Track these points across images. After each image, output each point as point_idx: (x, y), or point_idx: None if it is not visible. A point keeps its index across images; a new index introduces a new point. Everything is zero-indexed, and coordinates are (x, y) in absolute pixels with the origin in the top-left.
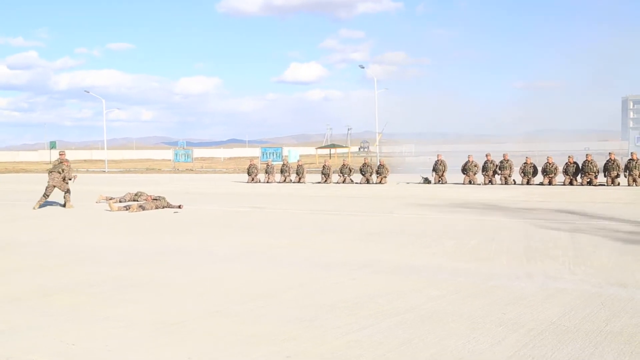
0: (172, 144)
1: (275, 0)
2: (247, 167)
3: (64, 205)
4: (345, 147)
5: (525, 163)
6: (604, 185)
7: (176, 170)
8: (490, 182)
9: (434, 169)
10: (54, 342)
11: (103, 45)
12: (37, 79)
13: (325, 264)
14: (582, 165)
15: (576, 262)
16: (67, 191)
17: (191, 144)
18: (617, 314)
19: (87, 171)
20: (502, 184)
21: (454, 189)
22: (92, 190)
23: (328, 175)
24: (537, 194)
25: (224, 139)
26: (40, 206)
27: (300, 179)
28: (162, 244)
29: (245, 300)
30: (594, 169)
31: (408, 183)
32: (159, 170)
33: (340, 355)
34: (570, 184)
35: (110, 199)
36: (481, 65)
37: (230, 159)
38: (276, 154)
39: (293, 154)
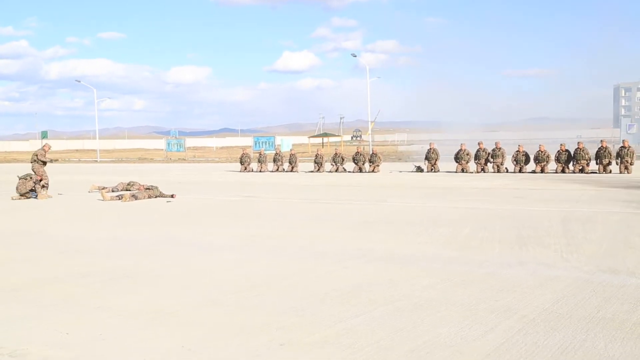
0: (164, 133)
1: None
2: (239, 156)
3: (36, 197)
4: (338, 136)
5: (517, 151)
6: (596, 172)
7: (169, 160)
8: (483, 170)
9: (427, 158)
10: (49, 331)
11: (94, 34)
12: (28, 69)
13: (319, 253)
14: (574, 153)
15: (568, 249)
16: (38, 182)
17: (183, 134)
18: (608, 301)
19: (79, 161)
20: (494, 172)
21: (447, 177)
22: (84, 180)
23: (321, 164)
24: (529, 182)
25: (216, 129)
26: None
27: (292, 168)
28: (156, 234)
29: (240, 290)
30: (586, 156)
31: (401, 172)
32: (152, 160)
33: (333, 343)
34: (563, 171)
35: (103, 189)
36: (473, 54)
37: (222, 148)
38: (269, 143)
39: (285, 143)
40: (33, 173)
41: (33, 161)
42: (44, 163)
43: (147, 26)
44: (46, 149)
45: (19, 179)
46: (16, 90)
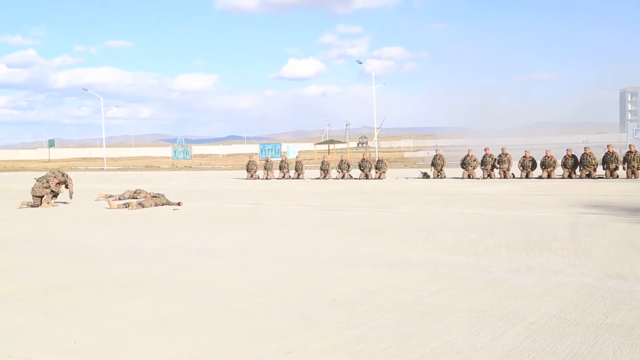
0: (171, 141)
1: None
2: (246, 163)
3: (40, 205)
4: (344, 142)
5: (524, 157)
6: (603, 178)
7: (175, 168)
8: (489, 176)
9: (433, 164)
10: (56, 340)
11: (101, 43)
12: (36, 77)
13: (325, 260)
14: (581, 158)
15: (576, 255)
16: (53, 192)
17: (190, 141)
18: (617, 307)
19: (86, 169)
20: (501, 178)
21: (453, 183)
22: (91, 188)
23: (327, 171)
24: (536, 188)
25: (223, 136)
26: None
27: (299, 175)
28: (162, 241)
29: (246, 296)
30: (593, 161)
31: (407, 178)
32: (158, 168)
33: (341, 351)
34: (569, 177)
35: (110, 197)
36: (479, 59)
37: (229, 155)
38: (275, 150)
39: (292, 150)
40: (50, 177)
41: (53, 176)
42: (60, 183)
43: (154, 34)
44: (70, 190)
45: (36, 181)
46: (24, 99)
